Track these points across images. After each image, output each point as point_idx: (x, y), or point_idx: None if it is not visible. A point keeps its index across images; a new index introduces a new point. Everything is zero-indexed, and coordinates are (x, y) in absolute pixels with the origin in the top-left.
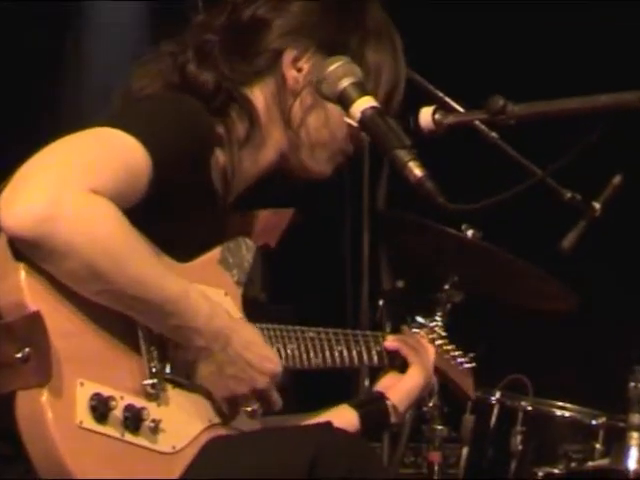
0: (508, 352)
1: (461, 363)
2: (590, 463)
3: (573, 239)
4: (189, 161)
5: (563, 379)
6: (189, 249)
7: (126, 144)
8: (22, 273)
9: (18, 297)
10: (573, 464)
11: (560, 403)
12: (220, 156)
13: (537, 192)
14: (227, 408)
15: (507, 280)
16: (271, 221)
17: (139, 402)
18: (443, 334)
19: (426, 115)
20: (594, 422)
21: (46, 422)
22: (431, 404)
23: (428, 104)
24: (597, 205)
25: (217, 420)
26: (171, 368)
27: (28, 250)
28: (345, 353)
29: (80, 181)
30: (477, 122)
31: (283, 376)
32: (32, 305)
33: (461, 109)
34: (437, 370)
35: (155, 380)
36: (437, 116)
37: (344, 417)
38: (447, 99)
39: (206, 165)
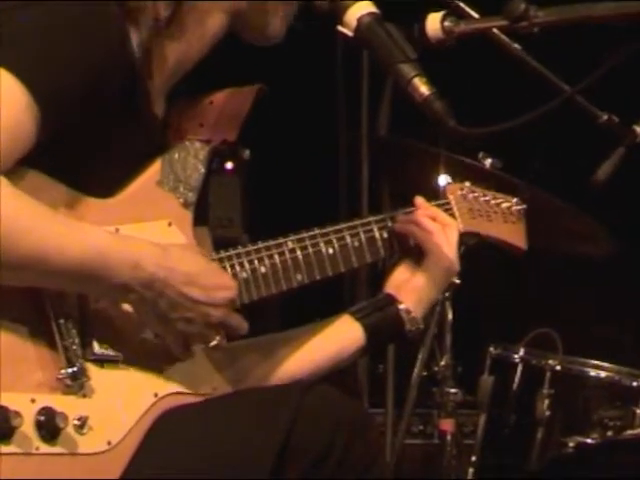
0: (534, 302)
1: (509, 208)
2: (629, 431)
3: (609, 170)
4: (89, 82)
5: (598, 334)
6: (121, 176)
7: (3, 85)
8: None
9: None
10: (609, 432)
11: (594, 362)
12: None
13: (566, 114)
14: (181, 353)
15: (532, 219)
16: (227, 106)
17: (56, 400)
18: (472, 193)
19: (434, 22)
20: (634, 384)
21: None
22: (443, 362)
23: (436, 9)
24: (638, 129)
25: (164, 391)
26: (99, 344)
27: None
28: (338, 253)
29: None
30: (495, 30)
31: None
32: None
33: (475, 15)
34: (477, 236)
35: (74, 368)
36: (447, 23)
37: (345, 331)
38: (459, 2)
39: (119, 70)
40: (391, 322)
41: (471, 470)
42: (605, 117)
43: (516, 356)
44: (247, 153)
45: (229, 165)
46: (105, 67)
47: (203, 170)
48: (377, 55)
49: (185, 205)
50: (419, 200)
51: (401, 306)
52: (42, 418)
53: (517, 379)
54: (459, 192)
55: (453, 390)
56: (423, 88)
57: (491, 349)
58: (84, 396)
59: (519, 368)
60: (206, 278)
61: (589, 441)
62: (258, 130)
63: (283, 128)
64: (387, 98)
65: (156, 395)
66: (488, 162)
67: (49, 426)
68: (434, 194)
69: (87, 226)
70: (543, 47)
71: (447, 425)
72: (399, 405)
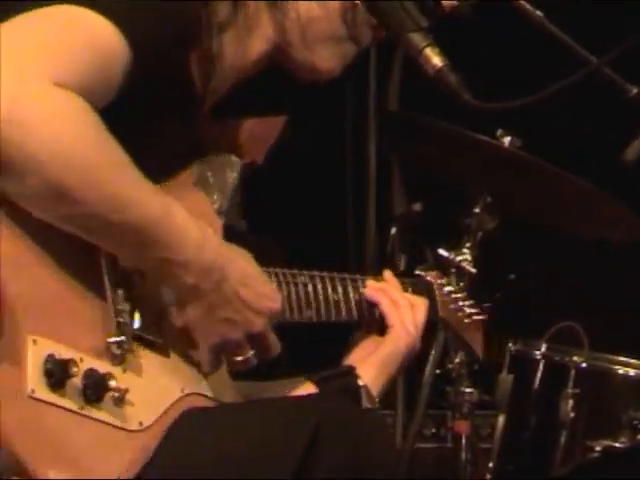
0: (557, 294)
1: (470, 315)
2: None
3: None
4: (169, 51)
5: (626, 328)
6: (160, 165)
7: (97, 27)
8: None
9: None
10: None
11: (622, 358)
12: (201, 45)
13: (592, 87)
14: (211, 361)
15: (555, 202)
16: (258, 132)
17: (102, 366)
18: (448, 286)
19: None
20: None
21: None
22: (457, 360)
23: None
24: None
25: (190, 389)
26: (140, 322)
27: None
28: (342, 301)
29: (41, 72)
30: None
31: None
32: None
33: None
34: (446, 325)
35: (123, 337)
36: None
37: (302, 393)
38: None
39: (186, 57)
40: (349, 397)
41: (488, 476)
42: (635, 91)
43: (537, 352)
44: None
45: None
46: (183, 46)
47: (237, 182)
48: (386, 23)
49: (219, 212)
50: (387, 274)
51: (360, 382)
52: (89, 380)
53: (538, 377)
54: (439, 280)
55: (469, 389)
56: (435, 59)
57: (510, 345)
58: (125, 370)
59: (541, 365)
60: (257, 283)
61: (617, 445)
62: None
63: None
64: (397, 70)
65: (182, 391)
66: (507, 140)
67: (96, 387)
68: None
69: (163, 192)
70: (567, 14)
71: (462, 427)
72: (410, 406)
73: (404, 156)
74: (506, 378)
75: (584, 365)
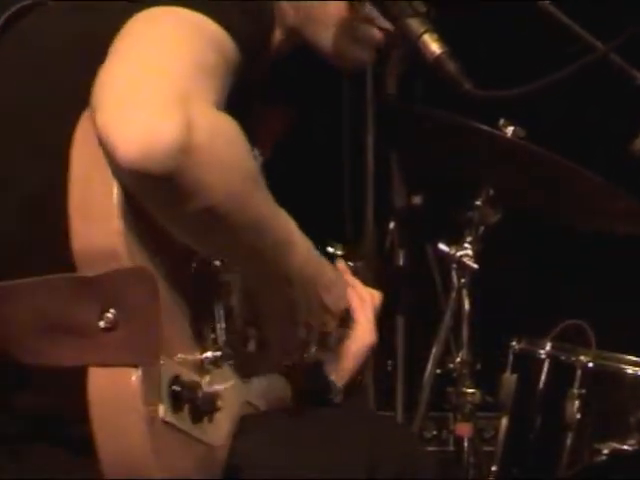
0: (562, 290)
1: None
2: None
3: None
4: (260, 52)
5: (635, 326)
6: None
7: (218, 35)
8: (120, 218)
9: (112, 244)
10: None
11: (632, 357)
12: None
13: (598, 74)
14: (287, 356)
15: (559, 194)
16: (265, 122)
17: (205, 384)
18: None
19: None
20: None
21: (137, 412)
22: (459, 359)
23: None
24: None
25: (248, 396)
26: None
27: (143, 189)
28: None
29: (205, 93)
30: None
31: None
32: (127, 256)
33: None
34: None
35: (219, 353)
36: None
37: (279, 388)
38: None
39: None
40: (320, 389)
41: None
42: None
43: (542, 351)
44: None
45: None
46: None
47: None
48: (383, 8)
49: None
50: (341, 266)
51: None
52: (202, 401)
53: (544, 377)
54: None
55: (471, 390)
56: (434, 46)
57: (514, 343)
58: (210, 383)
59: (546, 365)
60: (338, 289)
61: (625, 447)
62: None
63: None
64: (395, 58)
65: (247, 402)
66: (510, 130)
67: (208, 408)
68: (450, 171)
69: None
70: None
71: (464, 430)
72: (410, 407)
73: (403, 148)
74: (510, 378)
75: (591, 365)
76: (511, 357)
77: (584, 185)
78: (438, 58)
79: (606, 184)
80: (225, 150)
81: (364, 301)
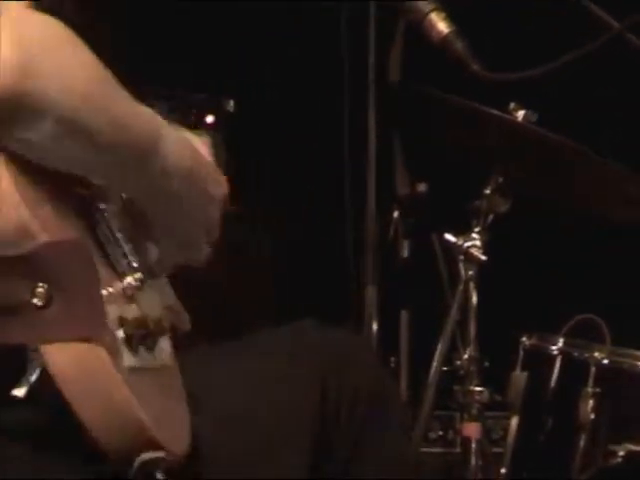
0: (575, 283)
1: None
2: None
3: None
4: None
5: None
6: None
7: None
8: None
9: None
10: None
11: None
12: None
13: (614, 54)
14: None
15: (573, 181)
16: None
17: (139, 308)
18: None
19: None
20: None
21: (111, 377)
22: (466, 355)
23: None
24: None
25: (169, 304)
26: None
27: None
28: None
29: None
30: None
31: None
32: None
33: None
34: None
35: (139, 275)
36: None
37: None
38: None
39: None
40: None
41: None
42: None
43: (554, 347)
44: (231, 104)
45: (209, 118)
46: None
47: None
48: None
49: None
50: None
51: None
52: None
53: (555, 375)
54: None
55: (478, 388)
56: (441, 25)
57: (524, 339)
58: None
59: (558, 362)
60: (218, 174)
61: None
62: (244, 75)
63: (274, 70)
64: (399, 37)
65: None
66: (521, 114)
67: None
68: (456, 157)
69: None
70: None
71: (471, 430)
72: (414, 406)
73: (407, 132)
74: (519, 376)
75: (606, 362)
76: (521, 354)
77: (599, 171)
78: (445, 37)
79: (622, 170)
80: (60, 55)
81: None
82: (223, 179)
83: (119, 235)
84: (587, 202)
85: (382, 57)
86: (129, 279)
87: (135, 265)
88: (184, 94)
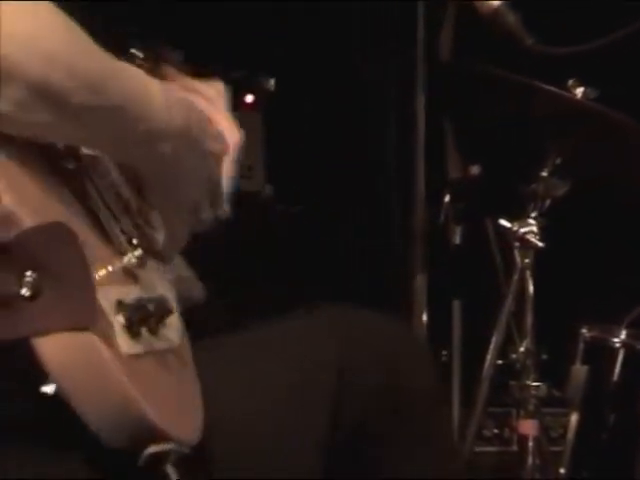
0: (639, 271)
1: None
2: None
3: None
4: None
5: None
6: None
7: None
8: None
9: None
10: None
11: None
12: None
13: None
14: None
15: (635, 164)
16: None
17: (142, 288)
18: None
19: None
20: None
21: (107, 366)
22: (522, 348)
23: None
24: None
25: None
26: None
27: None
28: None
29: None
30: None
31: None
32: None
33: None
34: None
35: (139, 252)
36: None
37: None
38: None
39: None
40: None
41: None
42: None
43: (616, 339)
44: (271, 83)
45: (249, 98)
46: None
47: None
48: None
49: None
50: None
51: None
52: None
53: (618, 369)
54: None
55: (536, 383)
56: None
57: (584, 331)
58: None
59: (621, 354)
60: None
61: None
62: (284, 53)
63: (315, 50)
64: (451, 13)
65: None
66: (580, 91)
67: (153, 314)
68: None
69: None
70: None
71: (528, 428)
72: (467, 403)
73: (458, 113)
74: (580, 370)
75: None
76: (581, 346)
77: None
78: (497, 10)
79: None
80: (27, 18)
81: (211, 99)
82: (224, 132)
83: (116, 209)
84: None
85: (431, 34)
86: (129, 256)
87: (135, 242)
88: (221, 72)
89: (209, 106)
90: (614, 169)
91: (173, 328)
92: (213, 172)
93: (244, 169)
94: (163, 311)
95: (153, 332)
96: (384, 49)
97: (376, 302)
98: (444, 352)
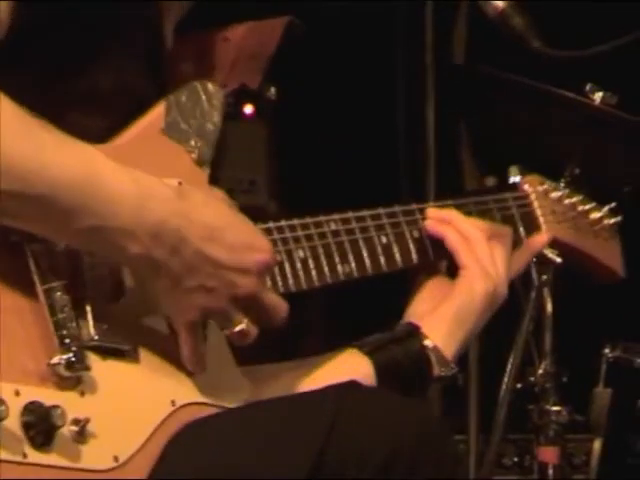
0: None
1: (600, 220)
2: None
3: None
4: None
5: None
6: (109, 114)
7: None
8: None
9: None
10: None
11: None
12: None
13: None
14: (192, 347)
15: None
16: (248, 44)
17: (47, 397)
18: (555, 192)
19: None
20: None
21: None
22: (541, 370)
23: None
24: None
25: (182, 398)
26: (99, 326)
27: None
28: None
29: None
30: None
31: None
32: None
33: None
34: (565, 248)
35: (70, 355)
36: None
37: (347, 369)
38: None
39: None
40: (413, 361)
41: None
42: None
43: None
44: (272, 92)
45: (249, 108)
46: None
47: (219, 120)
48: None
49: (199, 162)
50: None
51: (426, 342)
52: (31, 417)
53: None
54: (540, 187)
55: (556, 408)
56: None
57: (607, 351)
58: (82, 394)
59: None
60: (234, 235)
61: None
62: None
63: (320, 55)
64: (462, 16)
65: (173, 403)
66: (598, 96)
67: (41, 426)
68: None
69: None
70: None
71: (549, 455)
72: (485, 429)
73: (474, 121)
74: (603, 393)
75: None
76: (604, 367)
77: None
78: (503, 12)
79: None
80: None
81: (468, 239)
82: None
83: (61, 295)
84: None
85: (441, 37)
86: (55, 359)
87: (67, 342)
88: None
89: (462, 243)
90: (636, 179)
91: (106, 444)
92: (231, 283)
93: (246, 183)
94: (43, 421)
95: (37, 442)
96: (391, 52)
97: (388, 320)
98: (460, 375)
